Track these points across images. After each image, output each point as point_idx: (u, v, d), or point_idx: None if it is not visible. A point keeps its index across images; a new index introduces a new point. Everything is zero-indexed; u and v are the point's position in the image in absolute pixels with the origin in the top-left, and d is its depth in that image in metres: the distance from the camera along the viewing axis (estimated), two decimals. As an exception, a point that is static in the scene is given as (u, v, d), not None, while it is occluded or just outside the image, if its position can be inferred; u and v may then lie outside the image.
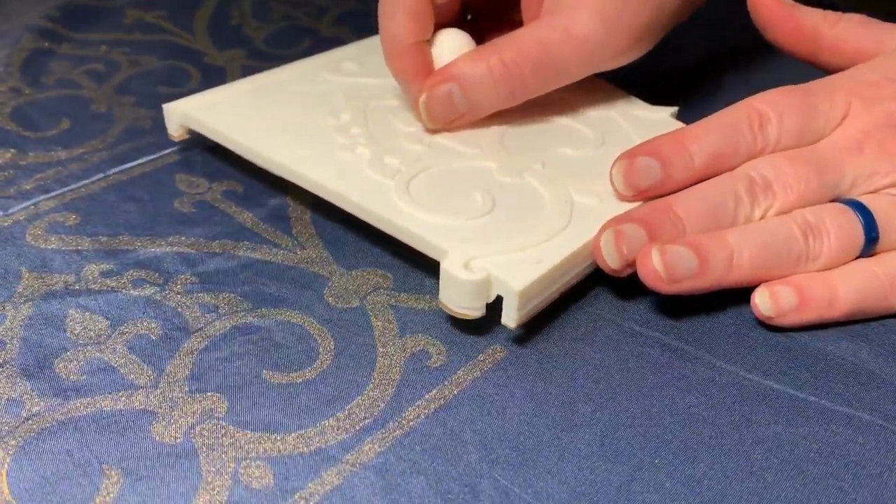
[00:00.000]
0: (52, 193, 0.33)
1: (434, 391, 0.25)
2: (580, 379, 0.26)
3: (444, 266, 0.26)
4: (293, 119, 0.34)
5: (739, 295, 0.29)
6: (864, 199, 0.29)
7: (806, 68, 0.34)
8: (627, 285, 0.30)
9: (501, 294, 0.26)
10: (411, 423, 0.24)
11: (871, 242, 0.29)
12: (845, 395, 0.26)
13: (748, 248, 0.28)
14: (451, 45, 0.33)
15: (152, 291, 0.28)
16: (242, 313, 0.28)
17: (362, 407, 0.25)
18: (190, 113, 0.34)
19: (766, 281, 0.28)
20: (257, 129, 0.33)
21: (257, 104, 0.35)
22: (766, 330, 0.28)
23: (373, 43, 0.41)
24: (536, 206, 0.30)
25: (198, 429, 0.24)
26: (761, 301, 0.28)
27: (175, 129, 0.35)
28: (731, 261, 0.28)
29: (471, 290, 0.26)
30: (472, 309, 0.26)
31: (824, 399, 0.26)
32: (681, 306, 0.29)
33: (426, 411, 0.25)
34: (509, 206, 0.30)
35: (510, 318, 0.26)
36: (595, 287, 0.30)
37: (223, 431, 0.24)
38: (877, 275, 0.28)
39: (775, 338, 0.28)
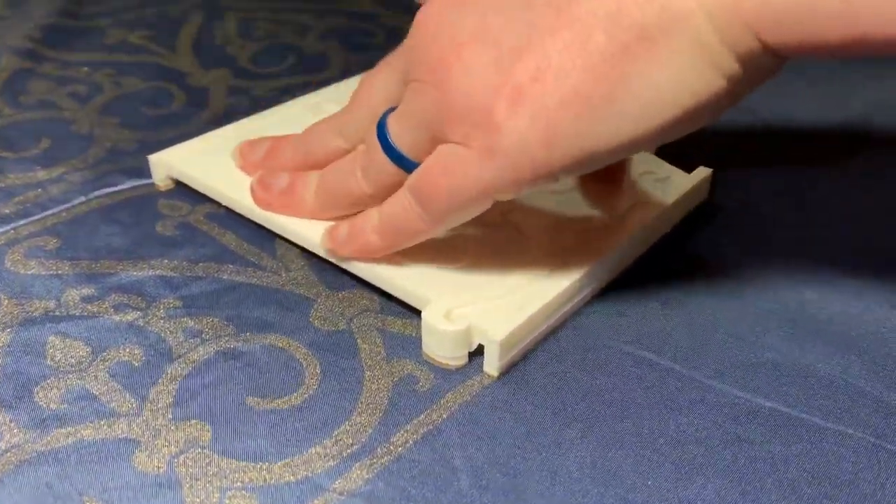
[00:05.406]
0: (33, 218, 0.32)
1: (422, 416, 0.25)
2: (570, 400, 0.26)
3: (425, 317, 0.26)
4: None
5: (728, 313, 0.29)
6: None
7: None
8: (617, 304, 0.30)
9: (483, 343, 0.26)
10: (399, 449, 0.24)
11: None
12: (836, 412, 0.26)
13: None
14: None
15: (135, 316, 0.28)
16: (227, 338, 0.27)
17: (349, 433, 0.24)
18: (175, 165, 0.34)
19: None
20: (240, 181, 0.33)
21: None
22: (755, 348, 0.28)
23: (353, 84, 0.41)
24: (516, 249, 0.30)
25: (181, 458, 0.23)
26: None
27: (161, 180, 0.35)
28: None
29: (452, 341, 0.26)
30: (454, 358, 0.27)
31: (816, 416, 0.26)
32: (669, 325, 0.29)
33: (415, 436, 0.24)
34: (489, 251, 0.30)
35: (492, 366, 0.26)
36: (584, 305, 0.30)
37: (208, 460, 0.23)
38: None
39: (764, 354, 0.28)
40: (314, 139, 0.32)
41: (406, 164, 0.27)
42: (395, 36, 0.50)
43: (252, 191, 0.32)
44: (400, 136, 0.27)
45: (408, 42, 0.27)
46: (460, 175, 0.25)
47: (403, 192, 0.27)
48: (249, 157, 0.33)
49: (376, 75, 0.30)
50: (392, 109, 0.27)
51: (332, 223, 0.30)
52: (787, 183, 0.37)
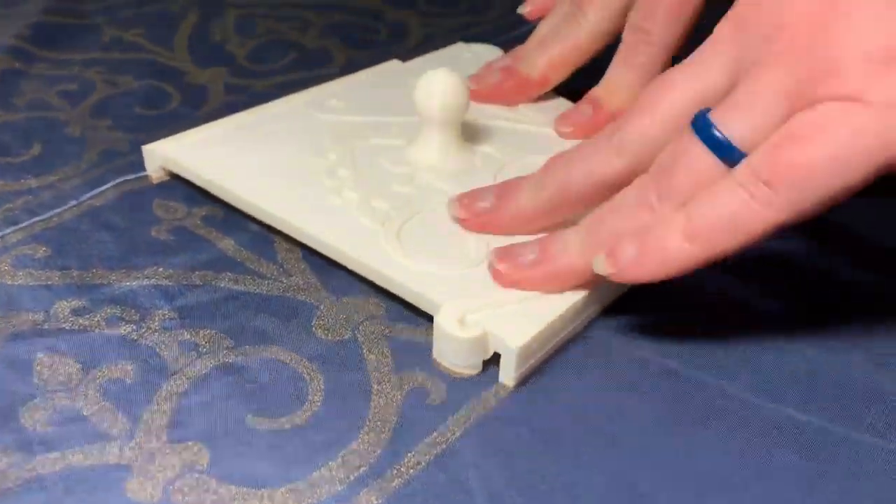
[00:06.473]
0: (21, 224, 0.31)
1: (435, 434, 0.23)
2: (590, 413, 0.24)
3: (438, 321, 0.25)
4: (278, 161, 0.33)
5: (757, 321, 0.27)
6: None
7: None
8: (638, 311, 0.28)
9: (499, 351, 0.25)
10: (411, 470, 0.22)
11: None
12: (877, 426, 0.24)
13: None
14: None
15: (128, 330, 0.26)
16: (225, 351, 0.26)
17: (357, 454, 0.23)
18: (171, 155, 0.33)
19: None
20: (241, 174, 0.31)
21: (240, 145, 0.33)
22: (786, 358, 0.27)
23: (358, 79, 0.39)
24: None
25: (177, 484, 0.22)
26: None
27: (155, 171, 0.34)
28: None
29: (466, 348, 0.25)
30: (467, 367, 0.25)
31: (853, 431, 0.24)
32: (694, 333, 0.27)
33: (427, 456, 0.23)
34: None
35: (508, 376, 0.25)
36: (604, 313, 0.28)
37: (205, 487, 0.22)
38: None
39: (797, 365, 0.26)
40: (576, 167, 0.27)
41: (733, 156, 0.24)
42: (398, 32, 0.49)
43: (491, 269, 0.27)
44: (729, 124, 0.24)
45: (729, 31, 0.25)
46: (846, 136, 0.22)
47: (733, 183, 0.24)
48: (473, 207, 0.29)
49: (673, 79, 0.26)
50: (705, 110, 0.25)
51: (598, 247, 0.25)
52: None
